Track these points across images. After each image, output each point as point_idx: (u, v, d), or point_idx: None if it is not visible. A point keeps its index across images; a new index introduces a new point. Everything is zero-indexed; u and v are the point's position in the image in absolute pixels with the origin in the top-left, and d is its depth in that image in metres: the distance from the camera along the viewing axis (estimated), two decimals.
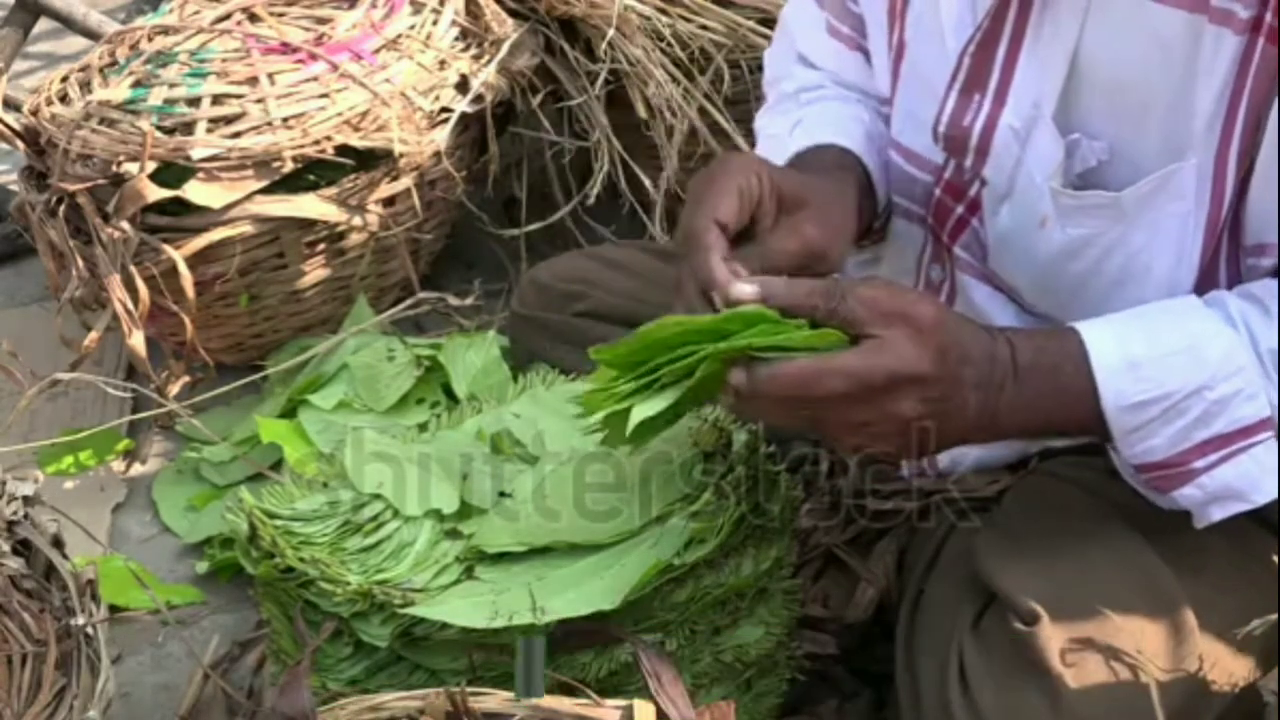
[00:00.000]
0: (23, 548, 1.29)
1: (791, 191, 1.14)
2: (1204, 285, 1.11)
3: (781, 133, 1.33)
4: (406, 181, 1.92)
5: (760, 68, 1.52)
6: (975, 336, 1.05)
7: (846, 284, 1.03)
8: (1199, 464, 1.05)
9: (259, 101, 1.85)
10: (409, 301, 1.83)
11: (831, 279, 1.04)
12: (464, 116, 1.97)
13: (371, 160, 1.89)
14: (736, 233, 1.10)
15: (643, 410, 1.04)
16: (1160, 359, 1.03)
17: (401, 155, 1.88)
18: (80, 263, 1.81)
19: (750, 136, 1.44)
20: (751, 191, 1.10)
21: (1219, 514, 1.08)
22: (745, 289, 1.03)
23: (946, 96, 1.18)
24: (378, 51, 1.94)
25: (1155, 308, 1.09)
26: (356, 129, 1.86)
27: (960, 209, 1.24)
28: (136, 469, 1.86)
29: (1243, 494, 1.06)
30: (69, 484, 1.85)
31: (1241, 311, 1.05)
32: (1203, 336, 1.04)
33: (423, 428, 1.34)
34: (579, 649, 1.14)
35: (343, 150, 1.85)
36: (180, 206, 1.81)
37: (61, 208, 1.83)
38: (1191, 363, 1.03)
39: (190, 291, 1.79)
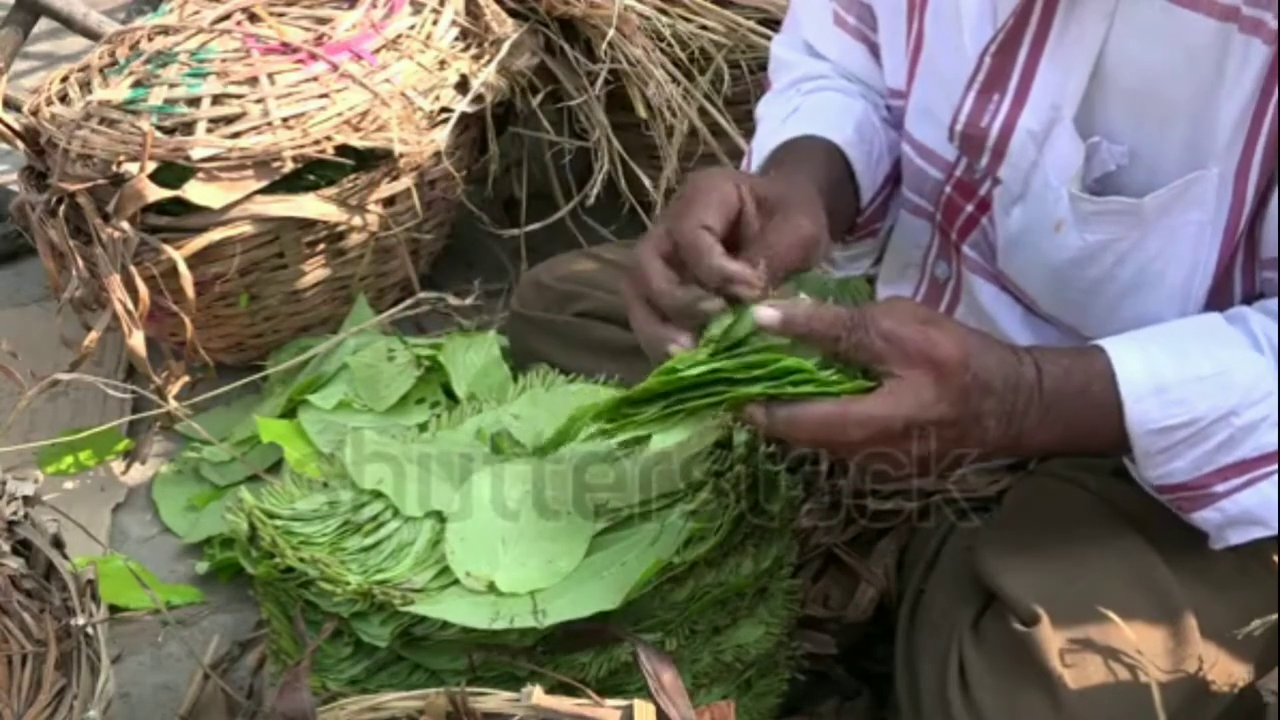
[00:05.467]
0: (23, 548, 1.29)
1: (771, 194, 1.10)
2: (1218, 295, 1.11)
3: (776, 120, 1.33)
4: (406, 181, 1.92)
5: (760, 67, 1.53)
6: (999, 365, 1.03)
7: (870, 313, 1.01)
8: (1220, 488, 1.05)
9: (259, 101, 1.85)
10: (409, 301, 1.83)
11: (855, 309, 1.01)
12: (464, 116, 1.97)
13: (371, 160, 1.89)
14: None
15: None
16: (1188, 383, 1.03)
17: (401, 155, 1.88)
18: (80, 263, 1.81)
19: (750, 137, 1.45)
20: (730, 202, 1.07)
21: (1237, 538, 1.07)
22: (767, 313, 1.01)
23: (965, 96, 1.17)
24: (378, 51, 1.94)
25: (1181, 327, 1.08)
26: (356, 129, 1.86)
27: (970, 207, 1.23)
28: (136, 469, 1.86)
29: (1263, 519, 1.06)
30: (69, 484, 1.85)
31: (1265, 331, 1.04)
32: (1231, 361, 1.03)
33: (423, 428, 1.34)
34: (579, 649, 1.14)
35: (343, 150, 1.85)
36: (180, 206, 1.81)
37: (61, 208, 1.83)
38: (1220, 388, 1.03)
39: (190, 291, 1.79)
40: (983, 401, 1.01)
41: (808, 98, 1.35)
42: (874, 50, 1.35)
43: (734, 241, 1.07)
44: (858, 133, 1.29)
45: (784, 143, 1.27)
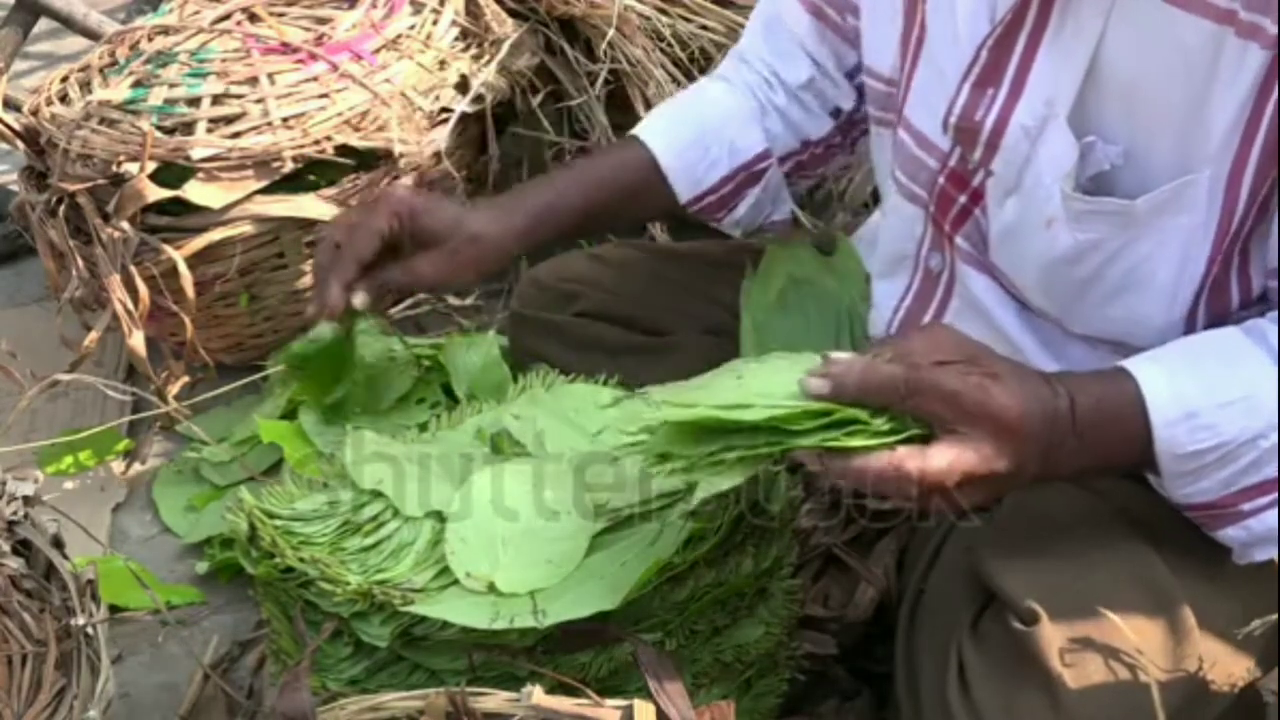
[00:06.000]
0: (23, 548, 1.29)
1: (431, 230, 1.37)
2: (1213, 298, 1.11)
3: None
4: (406, 181, 1.91)
5: None
6: (1040, 405, 1.02)
7: (927, 375, 0.99)
8: (1246, 507, 1.06)
9: (259, 101, 1.85)
10: (409, 301, 1.83)
11: (908, 370, 1.00)
12: (464, 116, 1.97)
13: (371, 160, 1.89)
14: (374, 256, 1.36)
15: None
16: (1217, 409, 1.03)
17: (401, 155, 1.88)
18: (80, 263, 1.81)
19: None
20: (388, 232, 1.36)
21: (1261, 555, 1.08)
22: (817, 383, 1.00)
23: (960, 89, 1.17)
24: (378, 51, 1.94)
25: (1204, 346, 1.08)
26: (356, 129, 1.86)
27: (963, 198, 1.23)
28: (136, 469, 1.86)
29: None
30: (69, 484, 1.85)
31: None
32: (1257, 383, 1.03)
33: (423, 428, 1.34)
34: (579, 649, 1.14)
35: (343, 150, 1.85)
36: (180, 206, 1.81)
37: (61, 208, 1.83)
38: (1247, 412, 1.03)
39: (190, 291, 1.79)
40: (1030, 447, 1.02)
41: (694, 91, 1.55)
42: (832, 27, 1.41)
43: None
44: (697, 135, 1.46)
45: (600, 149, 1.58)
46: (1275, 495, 1.05)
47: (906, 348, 1.02)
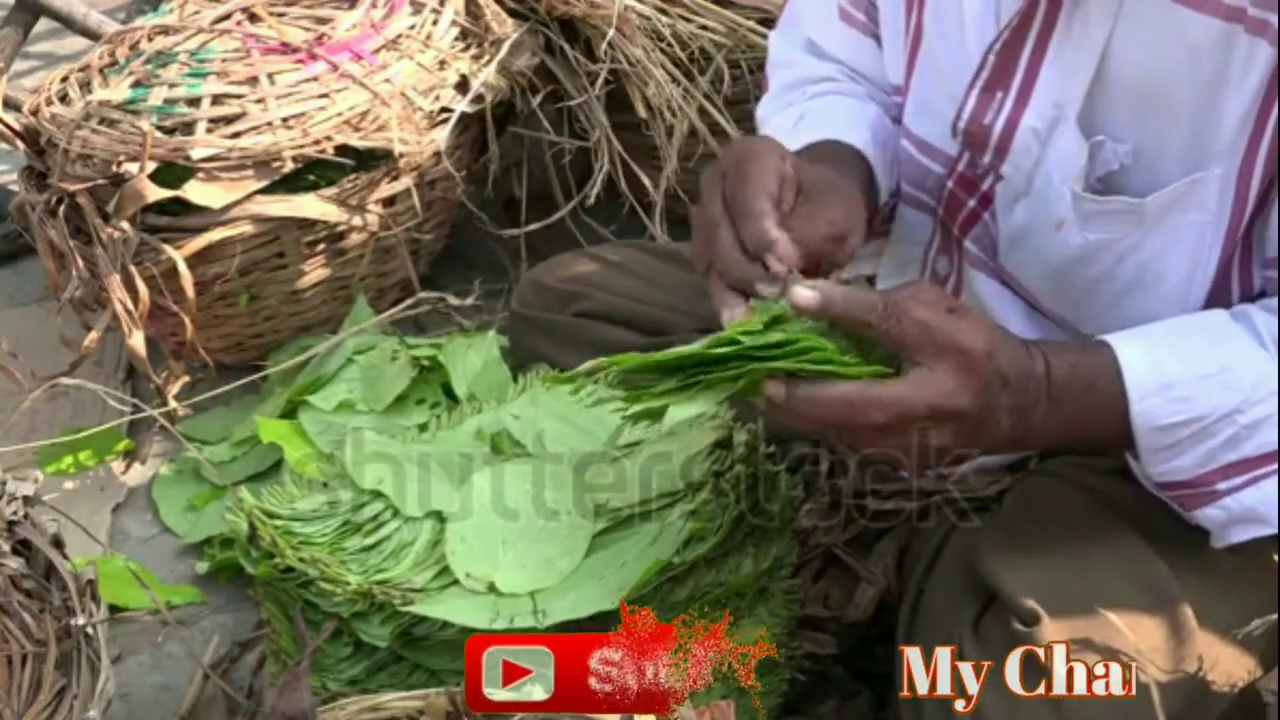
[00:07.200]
0: (23, 548, 1.29)
1: (809, 178, 1.10)
2: (1216, 294, 1.11)
3: (784, 128, 1.31)
4: (406, 181, 1.91)
5: (760, 67, 1.52)
6: (1014, 358, 1.03)
7: (902, 301, 1.00)
8: (1223, 485, 1.05)
9: (259, 101, 1.85)
10: (409, 301, 1.83)
11: (886, 294, 1.01)
12: (464, 116, 1.97)
13: (371, 160, 1.89)
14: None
15: (680, 412, 1.02)
16: (1194, 381, 1.03)
17: (401, 155, 1.88)
18: (80, 263, 1.81)
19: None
20: (783, 172, 1.07)
21: (1238, 536, 1.08)
22: (806, 294, 0.99)
23: (968, 94, 1.17)
24: (378, 51, 1.94)
25: (1185, 323, 1.08)
26: (356, 129, 1.86)
27: (972, 202, 1.23)
28: (136, 469, 1.86)
29: (1265, 517, 1.06)
30: (69, 484, 1.85)
31: (1269, 328, 1.05)
32: (1236, 359, 1.04)
33: (423, 428, 1.35)
34: None
35: (343, 150, 1.85)
36: (180, 206, 1.81)
37: (61, 208, 1.83)
38: (1224, 386, 1.03)
39: (190, 291, 1.79)
40: (1000, 395, 1.01)
41: (813, 102, 1.34)
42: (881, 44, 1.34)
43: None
44: (874, 136, 1.28)
45: (806, 147, 1.24)
46: (1251, 474, 1.05)
47: (895, 294, 1.02)
